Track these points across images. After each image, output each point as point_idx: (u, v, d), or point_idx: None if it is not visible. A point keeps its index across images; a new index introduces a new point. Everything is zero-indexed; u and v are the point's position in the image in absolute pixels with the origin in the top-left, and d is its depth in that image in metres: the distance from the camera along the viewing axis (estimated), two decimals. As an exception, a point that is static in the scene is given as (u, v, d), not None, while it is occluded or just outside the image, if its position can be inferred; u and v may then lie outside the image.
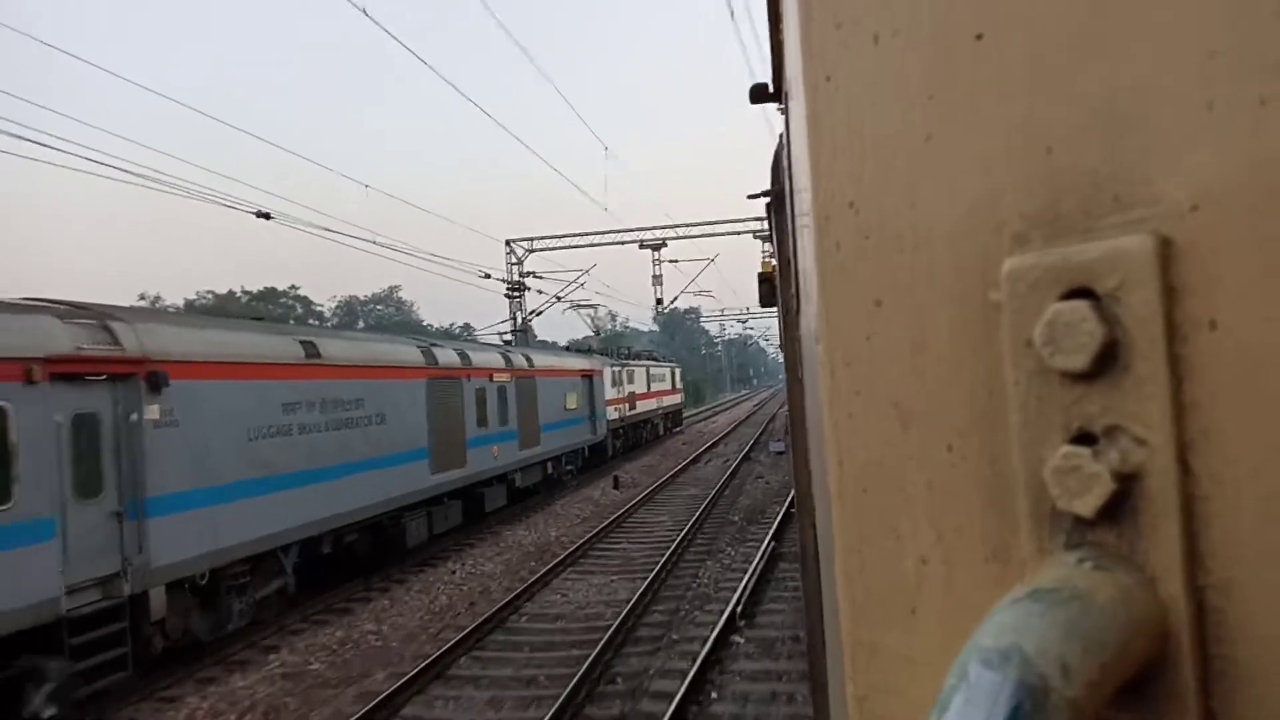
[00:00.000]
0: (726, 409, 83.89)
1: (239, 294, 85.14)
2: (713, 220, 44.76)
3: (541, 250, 43.88)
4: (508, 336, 39.85)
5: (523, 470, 25.66)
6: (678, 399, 56.04)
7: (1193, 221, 0.48)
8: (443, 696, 11.14)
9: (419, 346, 20.19)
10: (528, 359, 27.25)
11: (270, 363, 14.10)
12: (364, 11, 19.61)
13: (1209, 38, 0.47)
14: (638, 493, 26.81)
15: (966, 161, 0.57)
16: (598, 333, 46.87)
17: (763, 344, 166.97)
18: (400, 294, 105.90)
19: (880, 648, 0.63)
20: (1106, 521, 0.50)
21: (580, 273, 42.25)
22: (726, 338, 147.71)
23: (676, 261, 46.98)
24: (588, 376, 33.11)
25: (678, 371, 56.22)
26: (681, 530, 20.06)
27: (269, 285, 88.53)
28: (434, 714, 10.74)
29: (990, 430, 0.56)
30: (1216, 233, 0.47)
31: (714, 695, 10.71)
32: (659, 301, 46.49)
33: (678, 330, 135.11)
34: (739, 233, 41.23)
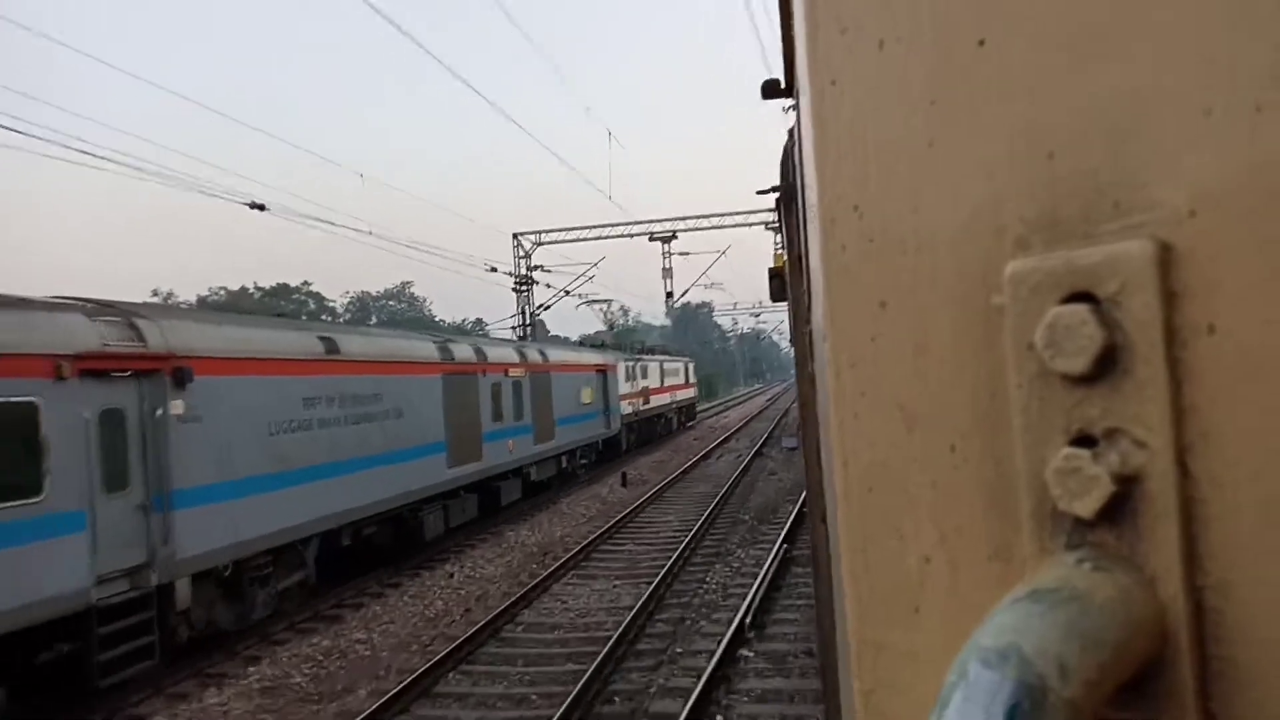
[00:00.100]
0: (739, 404, 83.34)
1: (252, 290, 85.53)
2: (724, 212, 43.82)
3: (549, 243, 43.51)
4: (520, 331, 39.84)
5: (537, 464, 25.91)
6: (691, 393, 56.18)
7: (1192, 226, 0.49)
8: (427, 717, 10.47)
9: (435, 342, 20.46)
10: (542, 354, 27.48)
11: (291, 359, 14.36)
12: (374, 8, 19.82)
13: (1207, 45, 0.48)
14: (646, 490, 26.13)
15: (969, 166, 0.58)
16: (611, 328, 46.91)
17: (776, 338, 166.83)
18: (412, 290, 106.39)
19: (885, 645, 0.63)
20: (1106, 522, 0.50)
21: (589, 266, 41.97)
22: (739, 332, 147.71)
23: (687, 254, 46.53)
24: (602, 371, 33.33)
25: (691, 366, 56.38)
26: (690, 531, 19.35)
27: (281, 281, 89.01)
28: (415, 736, 10.17)
29: (993, 431, 0.57)
30: (1215, 238, 0.48)
31: (719, 718, 9.98)
32: (669, 295, 46.07)
33: (690, 325, 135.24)
34: (750, 224, 40.71)
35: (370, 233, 25.08)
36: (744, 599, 13.71)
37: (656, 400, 44.02)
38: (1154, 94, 0.50)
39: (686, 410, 53.96)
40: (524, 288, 42.22)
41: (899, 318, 0.62)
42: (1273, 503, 0.46)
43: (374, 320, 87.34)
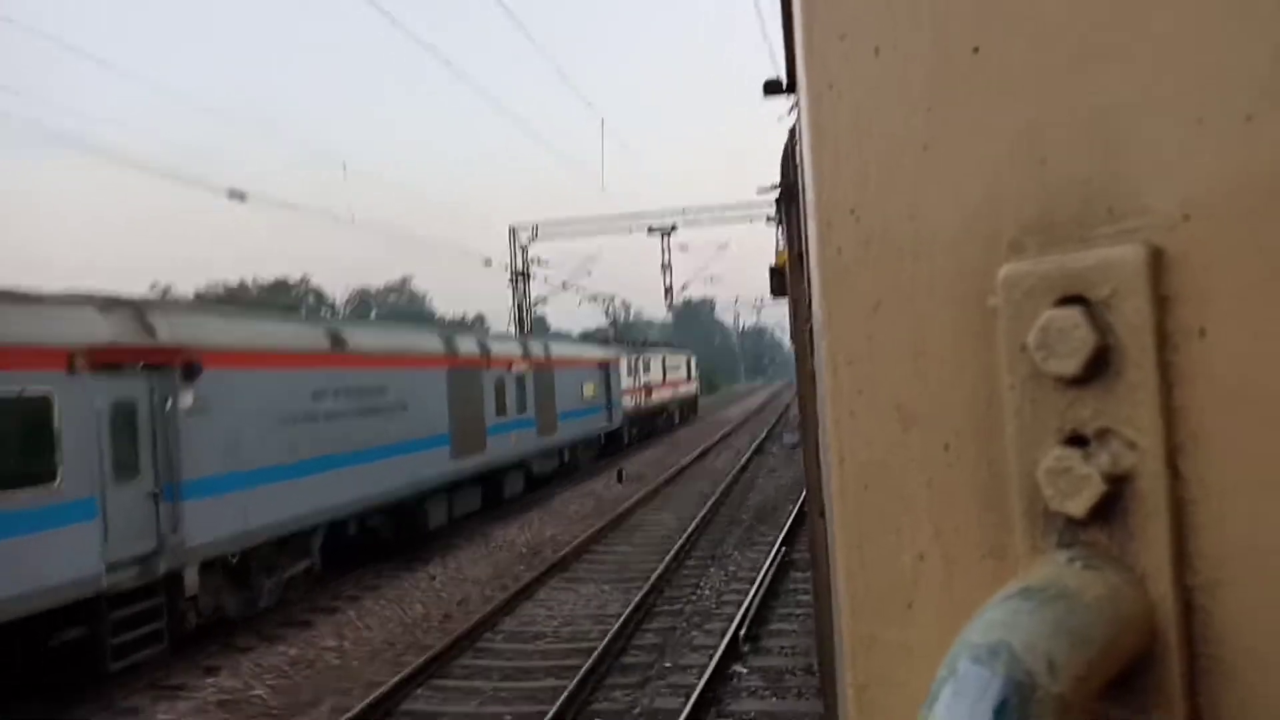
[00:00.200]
0: (740, 400, 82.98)
1: (250, 285, 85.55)
2: (724, 205, 43.37)
3: (546, 237, 42.77)
4: (516, 326, 39.67)
5: (540, 457, 26.14)
6: (693, 388, 56.41)
7: (1184, 232, 0.49)
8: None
9: (440, 336, 20.73)
10: (545, 349, 27.72)
11: (299, 352, 14.61)
12: (377, 6, 19.99)
13: (1200, 55, 0.49)
14: (642, 488, 25.26)
15: (964, 171, 0.58)
16: (614, 323, 46.98)
17: (778, 334, 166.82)
18: (413, 285, 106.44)
19: (879, 640, 0.64)
20: (1097, 522, 0.51)
21: (587, 259, 41.93)
22: (741, 328, 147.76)
23: (686, 247, 46.15)
24: (604, 366, 33.54)
25: (693, 361, 56.58)
26: (685, 531, 18.65)
27: (281, 276, 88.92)
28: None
29: (987, 431, 0.57)
30: (1207, 243, 0.48)
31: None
32: (668, 289, 45.79)
33: (692, 320, 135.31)
34: (752, 218, 39.72)
35: (354, 221, 24.64)
36: (739, 607, 12.96)
37: (658, 395, 44.22)
38: (1147, 101, 0.51)
39: (689, 405, 54.18)
40: (520, 281, 41.78)
41: (895, 319, 0.62)
42: (1261, 504, 0.47)
43: (374, 315, 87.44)
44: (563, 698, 9.86)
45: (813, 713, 9.53)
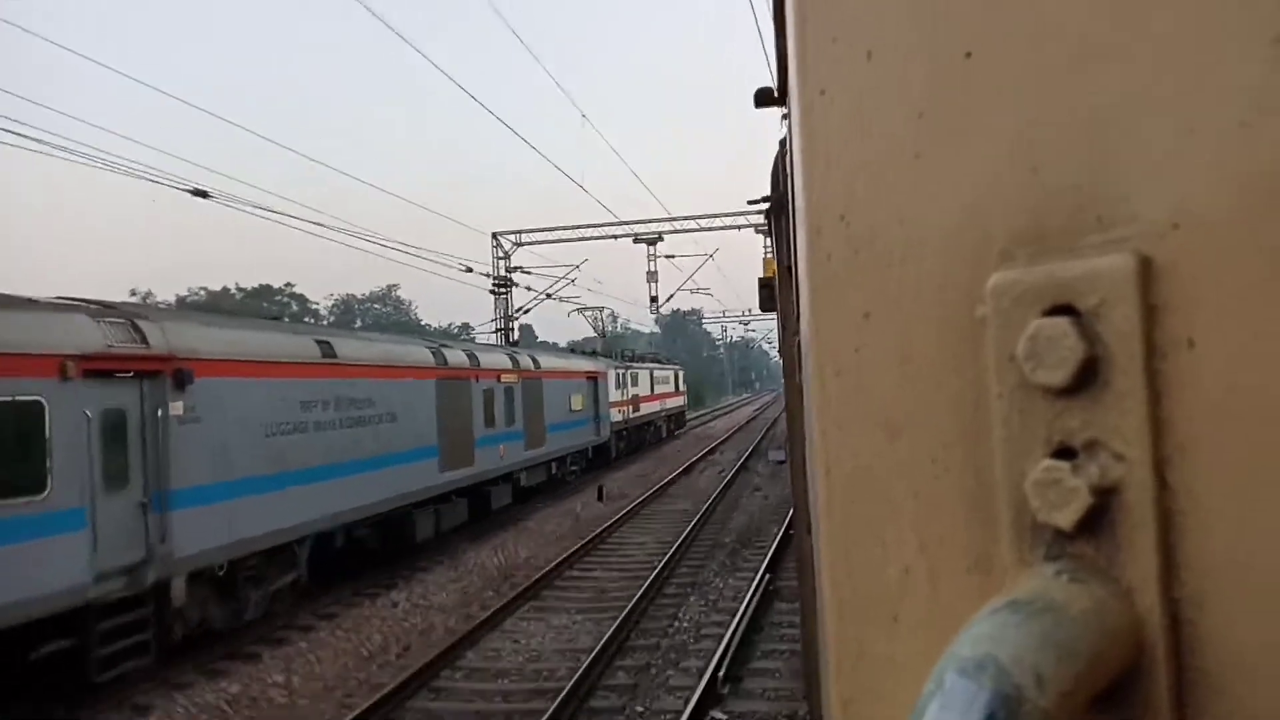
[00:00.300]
0: (726, 413, 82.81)
1: (233, 290, 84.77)
2: (711, 214, 42.06)
3: (530, 244, 41.81)
4: (499, 336, 39.12)
5: (528, 470, 26.09)
6: (680, 401, 56.49)
7: (1173, 241, 0.49)
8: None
9: (429, 347, 20.71)
10: (534, 360, 27.71)
11: (288, 362, 14.56)
12: (369, 10, 19.95)
13: (1191, 62, 0.49)
14: (623, 506, 24.62)
15: (955, 178, 0.58)
16: (603, 335, 46.91)
17: (765, 347, 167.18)
18: (398, 293, 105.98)
19: (864, 653, 0.63)
20: (1085, 534, 0.51)
21: (570, 268, 40.68)
22: (728, 340, 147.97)
23: (673, 257, 44.81)
24: (592, 378, 33.55)
25: (681, 374, 56.67)
26: (665, 554, 17.80)
27: (264, 283, 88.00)
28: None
29: (974, 442, 0.57)
30: (1196, 253, 0.48)
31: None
32: (654, 299, 44.87)
33: (679, 333, 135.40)
34: (740, 227, 39.06)
35: (320, 224, 23.49)
36: (720, 641, 12.09)
37: (646, 408, 44.25)
38: (1139, 109, 0.51)
39: (676, 418, 54.23)
40: (503, 290, 40.78)
41: (884, 328, 0.62)
42: (1248, 516, 0.47)
43: (359, 323, 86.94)
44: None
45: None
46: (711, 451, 40.70)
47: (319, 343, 15.80)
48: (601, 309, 47.24)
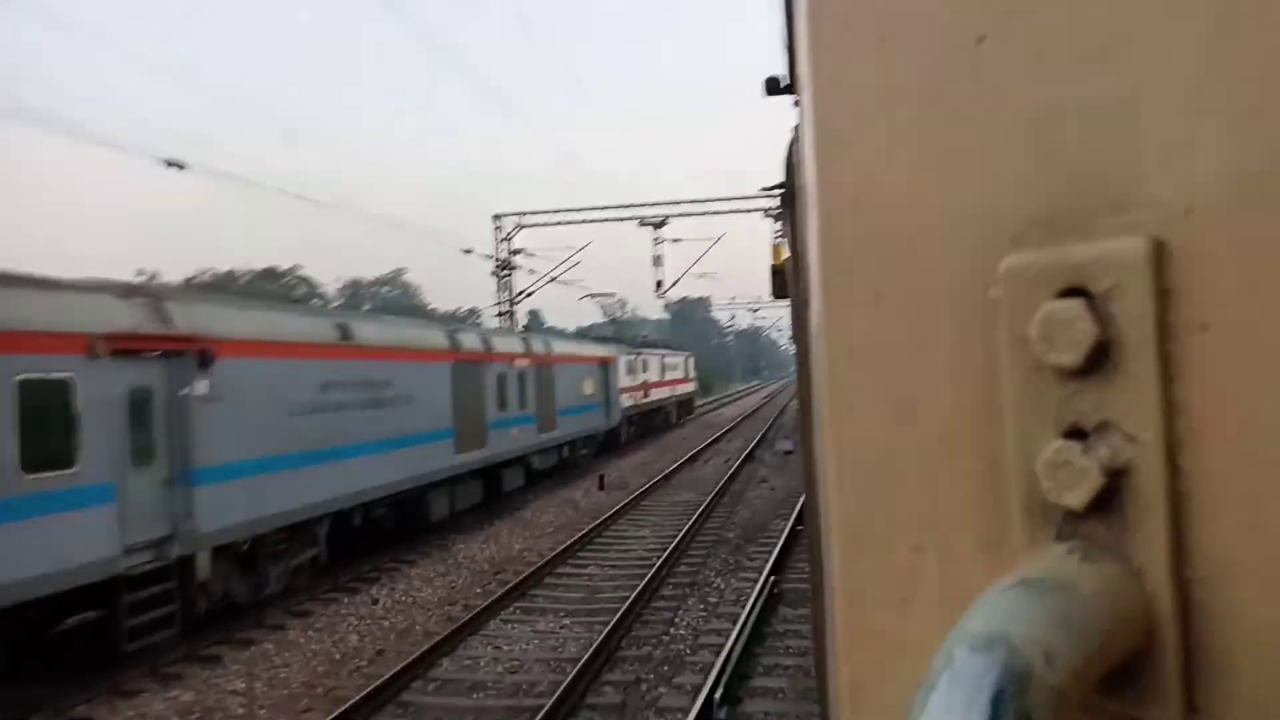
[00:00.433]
0: (734, 401, 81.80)
1: (240, 272, 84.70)
2: (719, 197, 40.54)
3: (532, 226, 40.70)
4: (501, 320, 38.48)
5: (540, 453, 26.40)
6: (690, 388, 56.75)
7: (1187, 225, 0.49)
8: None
9: (444, 331, 21.02)
10: (546, 346, 28.01)
11: (308, 343, 14.85)
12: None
13: (1205, 47, 0.49)
14: (624, 496, 23.59)
15: (968, 162, 0.58)
16: (613, 321, 46.95)
17: (775, 335, 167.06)
18: (406, 276, 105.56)
19: (873, 633, 0.64)
20: (1096, 515, 0.51)
21: (574, 250, 39.60)
22: (737, 328, 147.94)
23: (680, 240, 43.37)
24: (604, 364, 33.81)
25: (691, 361, 56.88)
26: (664, 550, 16.70)
27: (270, 265, 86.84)
28: None
29: (986, 424, 0.57)
30: (1210, 237, 0.48)
31: None
32: (659, 284, 43.86)
33: (688, 319, 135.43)
34: (747, 211, 38.01)
35: (302, 197, 22.93)
36: (718, 653, 10.93)
37: (656, 394, 44.47)
38: (1153, 93, 0.50)
39: (685, 404, 54.50)
40: (505, 273, 39.72)
41: (896, 310, 0.62)
42: (1259, 498, 0.47)
43: (367, 307, 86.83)
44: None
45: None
46: (718, 440, 39.67)
47: (338, 326, 16.10)
48: (613, 295, 47.06)
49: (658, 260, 43.03)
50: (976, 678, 0.42)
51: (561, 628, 12.81)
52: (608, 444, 34.79)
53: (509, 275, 39.98)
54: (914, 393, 0.61)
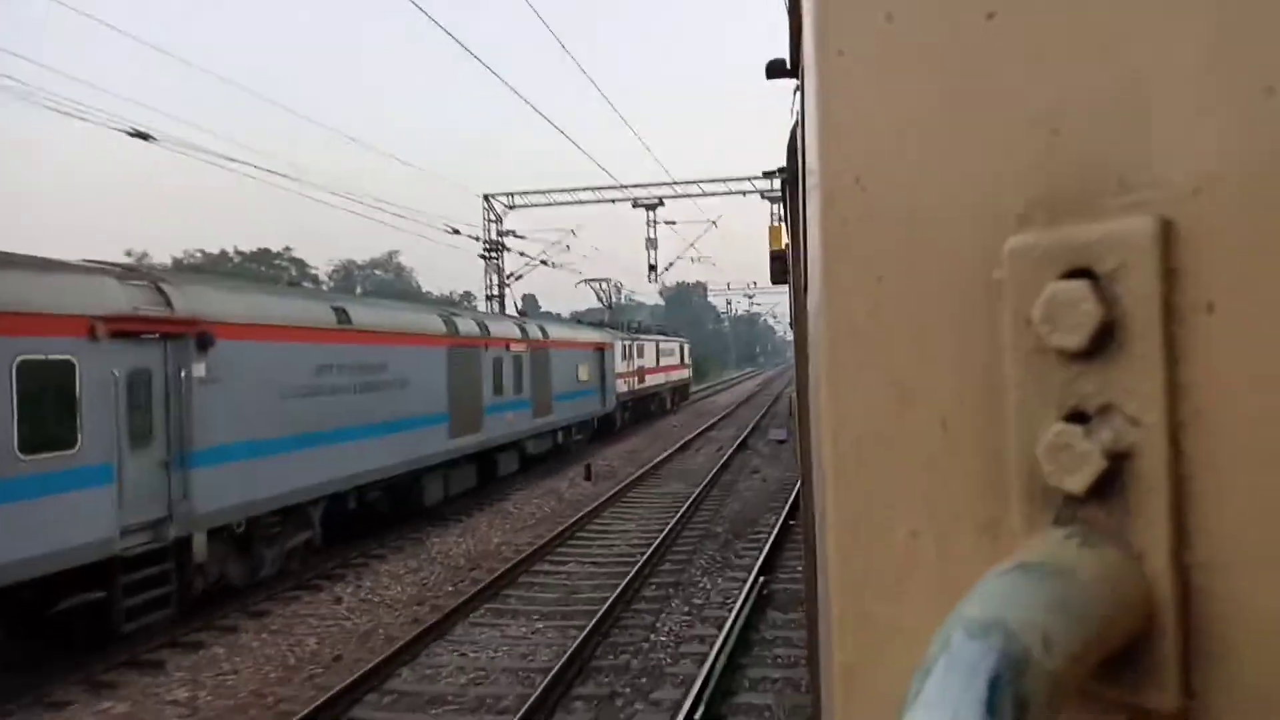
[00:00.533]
0: (729, 388, 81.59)
1: (231, 254, 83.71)
2: (715, 178, 39.53)
3: (524, 206, 39.91)
4: (508, 304, 38.06)
5: (535, 438, 26.51)
6: (686, 374, 56.92)
7: (1195, 205, 0.48)
8: None
9: (440, 315, 21.07)
10: (542, 331, 28.07)
11: (305, 327, 14.91)
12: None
13: (1219, 24, 0.48)
14: (610, 487, 22.81)
15: (973, 140, 0.57)
16: (609, 307, 46.96)
17: (770, 321, 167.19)
18: (399, 259, 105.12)
19: (869, 618, 0.63)
20: (1096, 499, 0.50)
21: (564, 232, 38.89)
22: (733, 314, 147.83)
23: (674, 223, 42.66)
24: (599, 349, 33.90)
25: (686, 347, 56.99)
26: (649, 545, 16.01)
27: (262, 246, 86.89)
28: None
29: (986, 407, 0.57)
30: (1219, 217, 0.48)
31: None
32: (652, 267, 43.25)
33: (683, 305, 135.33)
34: (745, 192, 37.25)
35: (265, 169, 22.09)
36: (702, 663, 10.15)
37: (651, 380, 44.58)
38: (1163, 72, 0.50)
39: (680, 390, 54.65)
40: (494, 254, 38.82)
41: (898, 291, 0.61)
42: (1263, 483, 0.46)
43: (359, 290, 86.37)
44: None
45: None
46: (710, 428, 38.81)
47: (335, 309, 16.14)
48: (609, 280, 47.06)
49: (652, 243, 42.06)
50: (973, 662, 0.42)
51: (534, 632, 11.96)
52: (602, 429, 34.91)
53: (498, 257, 39.10)
54: (914, 376, 0.61)
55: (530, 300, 41.64)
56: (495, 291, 38.74)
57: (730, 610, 12.06)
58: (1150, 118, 0.50)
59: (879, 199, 0.62)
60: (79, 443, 10.46)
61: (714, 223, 43.39)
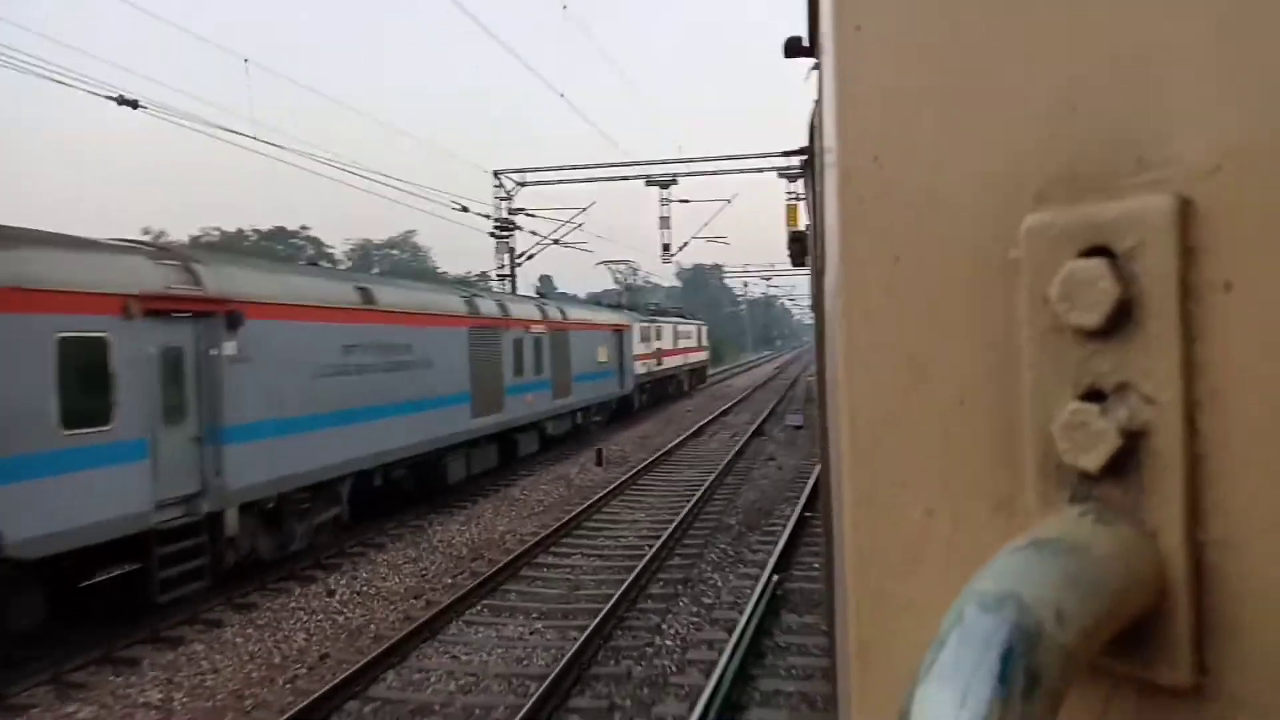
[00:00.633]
0: (745, 371, 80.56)
1: (248, 232, 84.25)
2: (731, 155, 39.89)
3: (535, 184, 38.51)
4: (502, 282, 37.30)
5: (554, 419, 26.76)
6: (703, 356, 57.07)
7: (1214, 183, 0.48)
8: None
9: (462, 296, 21.30)
10: (562, 312, 28.29)
11: (331, 306, 15.14)
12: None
13: (1238, 1, 0.48)
14: (622, 473, 22.03)
15: (991, 118, 0.57)
16: (627, 289, 46.92)
17: (788, 304, 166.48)
18: (415, 239, 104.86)
19: (884, 595, 0.64)
20: (1111, 477, 0.51)
21: (577, 210, 37.76)
22: (750, 297, 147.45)
23: (688, 201, 41.01)
24: (618, 331, 34.07)
25: (704, 330, 57.09)
26: (658, 537, 15.15)
27: (279, 225, 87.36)
28: None
29: (1003, 385, 0.56)
30: (1237, 195, 0.47)
31: None
32: (666, 247, 42.04)
33: (700, 287, 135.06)
34: (761, 170, 35.64)
35: (257, 138, 20.77)
36: (710, 672, 9.34)
37: (669, 362, 44.72)
38: (1182, 48, 0.49)
39: (698, 373, 54.82)
40: (505, 233, 37.77)
41: (915, 269, 0.61)
42: (1277, 463, 0.46)
43: (376, 270, 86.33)
44: None
45: None
46: (725, 413, 37.62)
47: (359, 289, 16.37)
48: (627, 262, 46.88)
49: (665, 222, 40.76)
50: (986, 635, 0.42)
51: (532, 633, 11.20)
52: (620, 411, 35.10)
53: (509, 236, 38.08)
54: (930, 354, 0.61)
55: (546, 281, 41.55)
56: (507, 271, 38.00)
57: (742, 612, 11.24)
58: (1169, 95, 0.50)
59: (896, 177, 0.62)
60: (115, 418, 10.72)
61: (729, 201, 41.92)
